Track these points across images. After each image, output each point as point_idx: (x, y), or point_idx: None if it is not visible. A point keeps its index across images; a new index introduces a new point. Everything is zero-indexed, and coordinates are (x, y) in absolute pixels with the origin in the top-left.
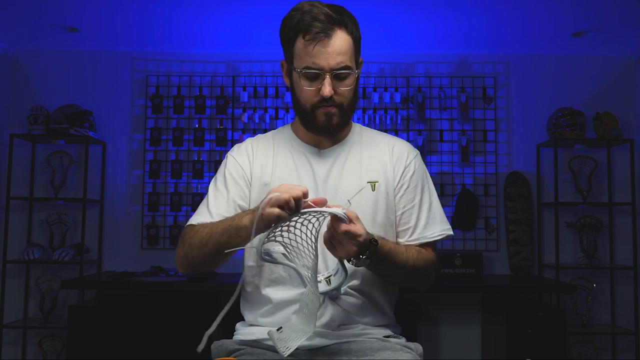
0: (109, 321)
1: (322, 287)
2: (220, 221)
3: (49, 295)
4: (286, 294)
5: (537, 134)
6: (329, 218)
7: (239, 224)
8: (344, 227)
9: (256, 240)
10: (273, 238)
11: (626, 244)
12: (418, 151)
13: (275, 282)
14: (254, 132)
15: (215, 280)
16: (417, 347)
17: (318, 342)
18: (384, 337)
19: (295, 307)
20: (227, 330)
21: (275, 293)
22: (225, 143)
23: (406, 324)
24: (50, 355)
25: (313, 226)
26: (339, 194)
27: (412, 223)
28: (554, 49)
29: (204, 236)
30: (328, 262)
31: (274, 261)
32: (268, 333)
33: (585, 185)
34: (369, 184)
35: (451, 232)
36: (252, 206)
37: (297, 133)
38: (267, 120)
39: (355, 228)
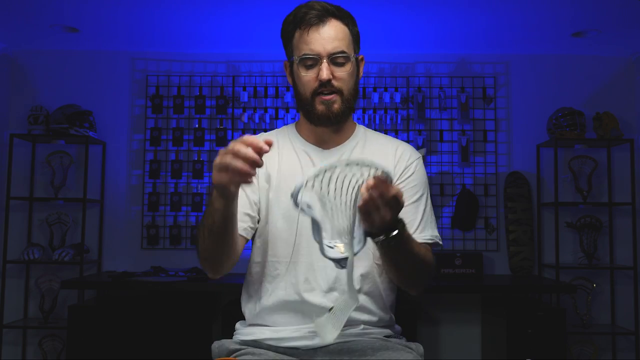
0: (109, 321)
1: (334, 253)
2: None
3: (49, 295)
4: (287, 292)
5: (537, 134)
6: (363, 183)
7: (210, 204)
8: (394, 189)
9: (297, 183)
10: (314, 183)
11: (626, 244)
12: (421, 155)
13: (277, 279)
14: (254, 132)
15: (215, 280)
16: (418, 347)
17: (318, 341)
18: (385, 337)
19: (295, 306)
20: (227, 330)
21: (277, 291)
22: (225, 143)
23: (406, 324)
24: (50, 355)
25: (353, 188)
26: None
27: (409, 219)
28: (554, 49)
29: (200, 231)
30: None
31: (309, 213)
32: (315, 323)
33: (585, 185)
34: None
35: (441, 243)
36: (264, 200)
37: (301, 132)
38: (267, 120)
39: (400, 194)
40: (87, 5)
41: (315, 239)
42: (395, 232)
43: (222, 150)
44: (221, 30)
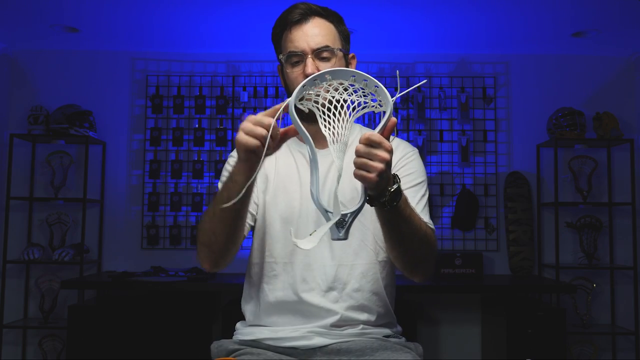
0: (109, 321)
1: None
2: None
3: (49, 295)
4: (285, 293)
5: (537, 134)
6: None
7: (229, 180)
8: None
9: (294, 93)
10: (312, 94)
11: (626, 244)
12: (417, 150)
13: (275, 279)
14: None
15: (215, 280)
16: (417, 347)
17: (317, 341)
18: (384, 336)
19: (294, 306)
20: (227, 330)
21: (275, 292)
22: (225, 143)
23: (406, 324)
24: (50, 355)
25: (346, 112)
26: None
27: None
28: (554, 49)
29: (209, 211)
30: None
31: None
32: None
33: (585, 185)
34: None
35: (434, 228)
36: (261, 201)
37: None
38: None
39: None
40: (87, 5)
41: (312, 189)
42: (395, 186)
43: (250, 117)
44: (221, 30)
